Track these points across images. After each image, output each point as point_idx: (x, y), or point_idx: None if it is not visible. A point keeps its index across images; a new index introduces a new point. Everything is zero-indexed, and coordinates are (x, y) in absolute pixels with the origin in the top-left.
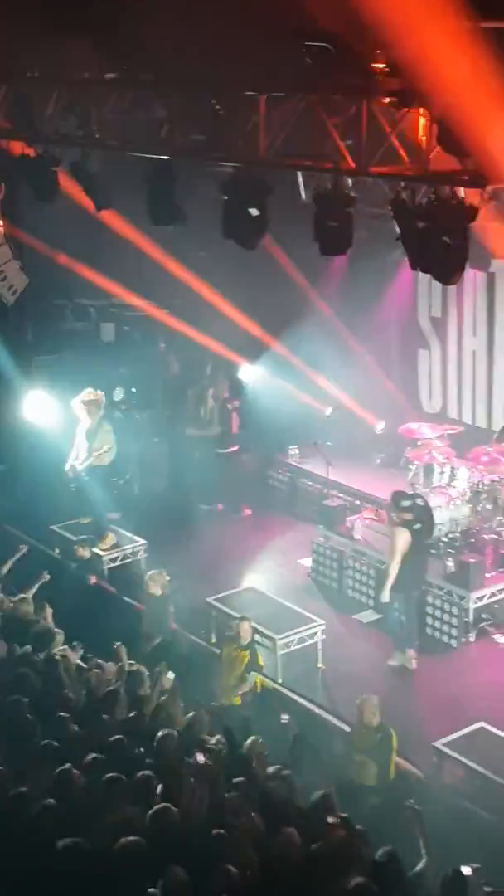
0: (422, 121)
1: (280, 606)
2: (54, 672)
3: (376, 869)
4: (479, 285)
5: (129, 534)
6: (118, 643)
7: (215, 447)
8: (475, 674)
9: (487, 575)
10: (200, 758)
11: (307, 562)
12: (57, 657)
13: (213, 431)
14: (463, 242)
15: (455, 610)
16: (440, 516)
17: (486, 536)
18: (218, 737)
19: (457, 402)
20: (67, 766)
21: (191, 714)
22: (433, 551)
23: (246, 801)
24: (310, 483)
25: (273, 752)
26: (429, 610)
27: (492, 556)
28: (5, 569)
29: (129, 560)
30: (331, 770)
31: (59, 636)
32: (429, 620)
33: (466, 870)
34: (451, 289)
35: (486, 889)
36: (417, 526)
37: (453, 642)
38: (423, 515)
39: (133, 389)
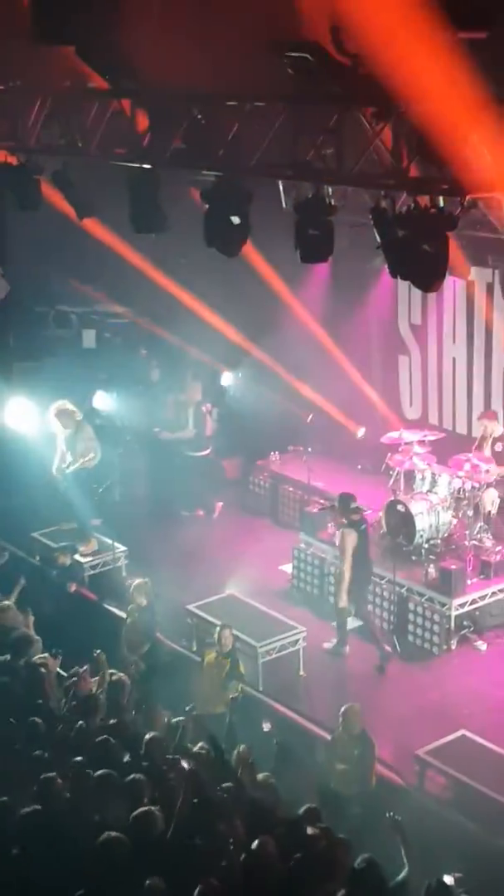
0: (402, 130)
1: (261, 613)
2: (36, 680)
3: (356, 876)
4: (459, 293)
5: (109, 540)
6: (98, 651)
7: (188, 450)
8: (456, 681)
9: (469, 582)
10: (185, 764)
11: (288, 568)
12: (39, 665)
13: (186, 434)
14: (442, 250)
15: (436, 617)
16: (421, 523)
17: (467, 543)
18: (201, 744)
19: (437, 409)
20: (52, 774)
21: (174, 720)
22: (414, 558)
23: (232, 808)
24: (291, 489)
25: (254, 761)
26: (410, 617)
27: (473, 562)
28: None
29: (109, 567)
30: (313, 779)
31: (38, 643)
32: (410, 627)
33: (449, 879)
34: (431, 296)
35: None
36: (363, 527)
37: (435, 649)
38: (404, 522)
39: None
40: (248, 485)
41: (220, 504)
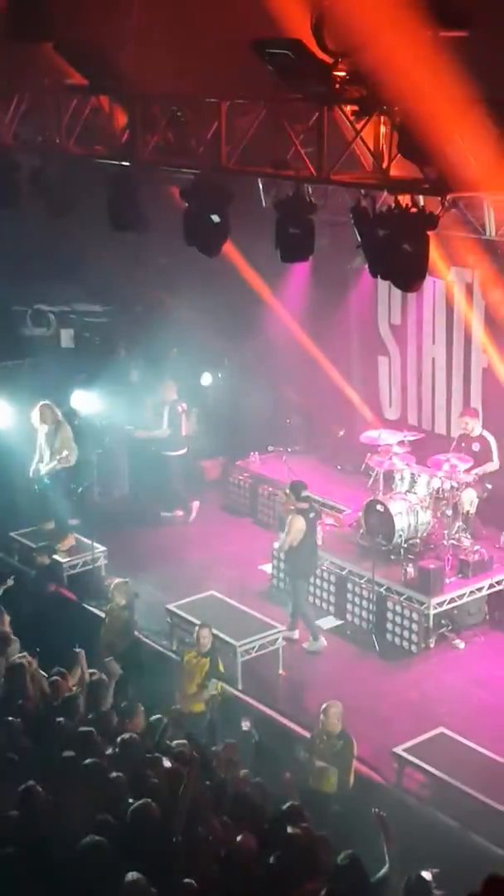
0: (382, 129)
1: (240, 613)
2: (14, 679)
3: (337, 873)
4: (439, 293)
5: (88, 541)
6: (78, 650)
7: (163, 450)
8: (435, 679)
9: (447, 581)
10: (167, 762)
11: (268, 568)
12: (17, 664)
13: (160, 434)
14: (423, 250)
15: (415, 616)
16: (400, 522)
17: (445, 543)
18: (180, 741)
19: (416, 409)
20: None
21: (153, 719)
22: (393, 557)
23: (214, 806)
24: (270, 489)
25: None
26: (389, 616)
27: (451, 562)
28: None
29: (89, 567)
30: (292, 777)
31: (16, 643)
32: (389, 626)
33: (427, 875)
34: (411, 296)
35: (437, 893)
36: (312, 515)
37: (413, 648)
38: (383, 522)
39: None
40: (229, 485)
41: (197, 503)
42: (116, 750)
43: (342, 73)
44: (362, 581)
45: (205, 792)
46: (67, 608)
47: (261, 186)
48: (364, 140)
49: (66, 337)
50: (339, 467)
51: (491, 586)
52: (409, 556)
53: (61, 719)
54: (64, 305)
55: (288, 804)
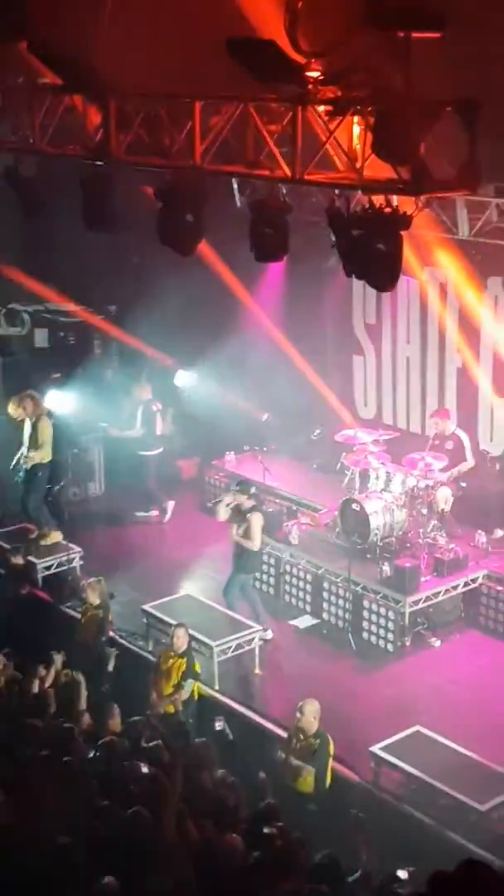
0: (356, 129)
1: (216, 613)
2: None
3: (315, 872)
4: (413, 293)
5: (64, 541)
6: (53, 651)
7: (138, 449)
8: (411, 678)
9: (423, 579)
10: (144, 768)
11: None
12: None
13: (133, 433)
14: (397, 250)
15: (391, 614)
16: (376, 521)
17: (421, 541)
18: (157, 742)
19: (391, 408)
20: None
21: (129, 720)
22: (369, 556)
23: (190, 807)
24: None
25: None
26: (365, 615)
27: (427, 560)
28: None
29: (64, 567)
30: (268, 777)
31: None
32: (365, 625)
33: (403, 873)
34: (386, 296)
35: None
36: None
37: (389, 646)
38: (359, 521)
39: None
40: (204, 485)
41: (173, 503)
42: (96, 753)
43: (316, 74)
44: (338, 580)
45: (181, 794)
46: (42, 609)
47: (235, 186)
48: (338, 140)
49: (41, 336)
50: (314, 466)
51: (466, 584)
52: (385, 555)
53: (32, 720)
54: (38, 305)
55: (264, 804)
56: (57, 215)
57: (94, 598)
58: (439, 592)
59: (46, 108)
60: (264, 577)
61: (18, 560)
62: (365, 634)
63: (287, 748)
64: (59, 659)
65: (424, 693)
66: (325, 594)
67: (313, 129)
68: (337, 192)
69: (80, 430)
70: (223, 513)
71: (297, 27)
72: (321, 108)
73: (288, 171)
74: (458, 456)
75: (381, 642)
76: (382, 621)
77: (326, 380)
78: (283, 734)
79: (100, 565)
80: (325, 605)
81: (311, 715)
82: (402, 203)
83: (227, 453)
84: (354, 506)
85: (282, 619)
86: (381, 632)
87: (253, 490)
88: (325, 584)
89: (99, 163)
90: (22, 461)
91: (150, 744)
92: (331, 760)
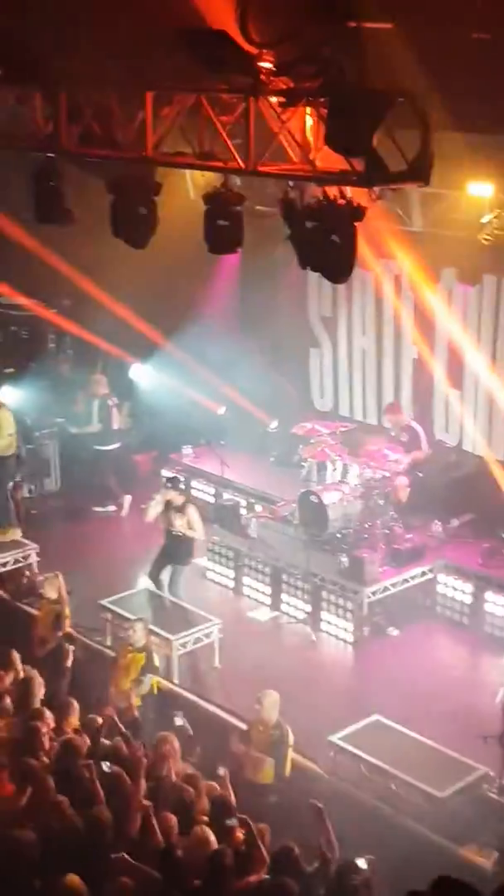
0: (309, 120)
1: (175, 607)
2: None
3: (274, 864)
4: (368, 285)
5: (20, 538)
6: (11, 648)
7: (94, 444)
8: (370, 667)
9: (380, 570)
10: (106, 766)
11: (203, 561)
12: None
13: (92, 429)
14: (351, 242)
15: (349, 605)
16: (333, 513)
17: (378, 532)
18: (117, 739)
19: (348, 400)
20: None
21: (88, 717)
22: (327, 548)
23: (152, 802)
24: (205, 482)
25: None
26: (324, 605)
27: (385, 551)
28: None
29: (20, 564)
30: (227, 768)
31: None
32: (324, 616)
33: (362, 862)
34: (341, 288)
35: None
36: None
37: (348, 637)
38: (316, 513)
39: None
40: (162, 479)
41: (130, 498)
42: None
43: (268, 65)
44: (297, 572)
45: (143, 789)
46: None
47: (189, 178)
48: (291, 131)
49: None
50: (271, 459)
51: (423, 574)
52: (343, 546)
53: None
54: None
55: (225, 797)
56: (6, 208)
57: (51, 593)
58: (397, 582)
59: None
60: (224, 570)
61: None
62: (324, 625)
63: (247, 739)
64: (17, 657)
65: (383, 682)
66: (284, 586)
67: (266, 120)
68: (291, 183)
69: (34, 426)
70: (152, 512)
71: (249, 17)
72: (274, 99)
73: (241, 163)
74: (413, 447)
75: (341, 632)
76: (341, 612)
77: (283, 372)
78: (244, 726)
79: (57, 561)
80: (284, 597)
81: (270, 706)
82: (356, 195)
83: (185, 447)
84: (312, 498)
85: (241, 612)
86: (340, 622)
87: (181, 485)
88: (284, 577)
89: (49, 155)
90: None
91: (110, 741)
92: (290, 751)
